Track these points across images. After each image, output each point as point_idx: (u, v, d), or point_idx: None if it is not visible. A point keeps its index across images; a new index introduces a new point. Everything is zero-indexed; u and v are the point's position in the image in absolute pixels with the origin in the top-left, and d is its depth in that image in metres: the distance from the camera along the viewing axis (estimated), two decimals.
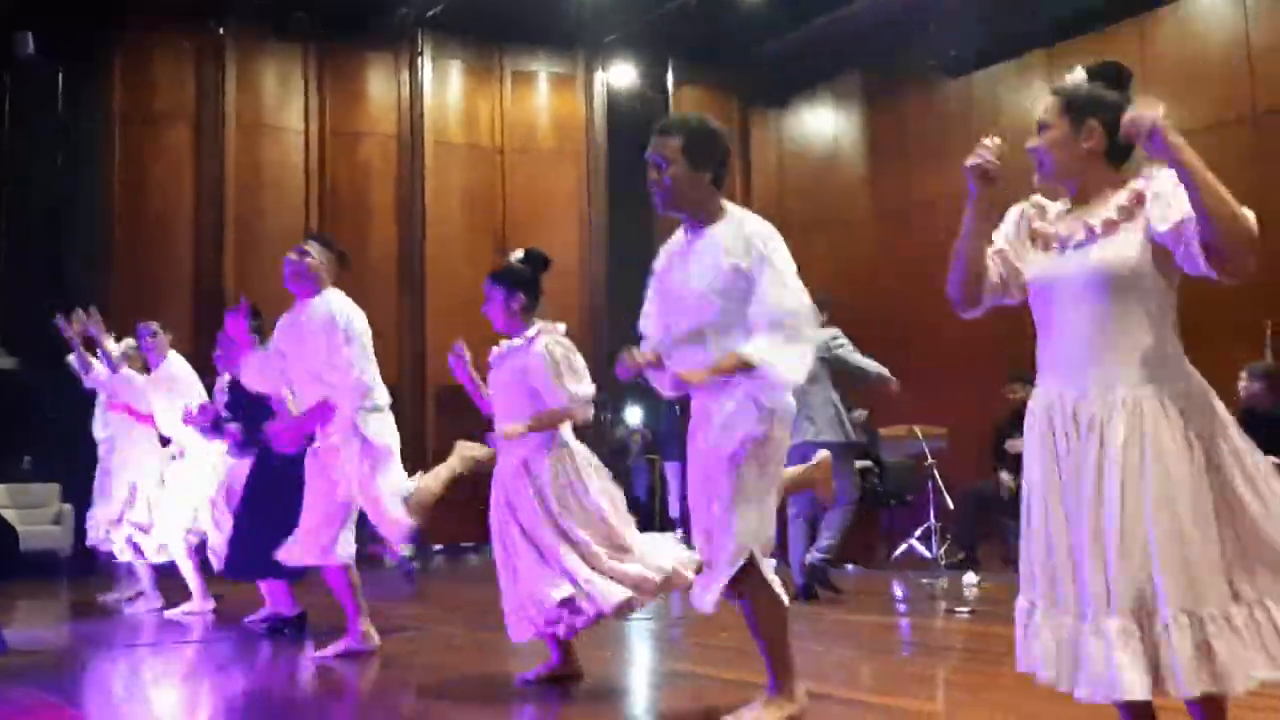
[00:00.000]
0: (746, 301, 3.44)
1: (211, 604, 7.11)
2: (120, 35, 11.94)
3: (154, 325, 7.38)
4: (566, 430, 4.44)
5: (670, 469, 13.40)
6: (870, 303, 11.56)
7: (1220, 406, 2.48)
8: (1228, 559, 2.37)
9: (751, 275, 3.43)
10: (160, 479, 7.34)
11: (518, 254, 4.60)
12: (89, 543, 7.93)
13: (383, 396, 5.13)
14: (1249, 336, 8.26)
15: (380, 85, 13.17)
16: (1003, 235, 2.73)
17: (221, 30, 12.30)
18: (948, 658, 5.11)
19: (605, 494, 4.36)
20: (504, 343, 4.51)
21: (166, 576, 7.42)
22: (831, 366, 7.07)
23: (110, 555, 7.82)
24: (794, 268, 3.49)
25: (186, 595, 7.15)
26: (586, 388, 4.38)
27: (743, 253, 3.44)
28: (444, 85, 13.42)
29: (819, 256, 11.65)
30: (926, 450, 9.17)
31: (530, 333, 4.43)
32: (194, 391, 7.18)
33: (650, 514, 14.58)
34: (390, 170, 13.08)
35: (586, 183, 13.88)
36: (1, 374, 10.77)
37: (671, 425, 13.34)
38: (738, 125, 14.06)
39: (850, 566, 8.97)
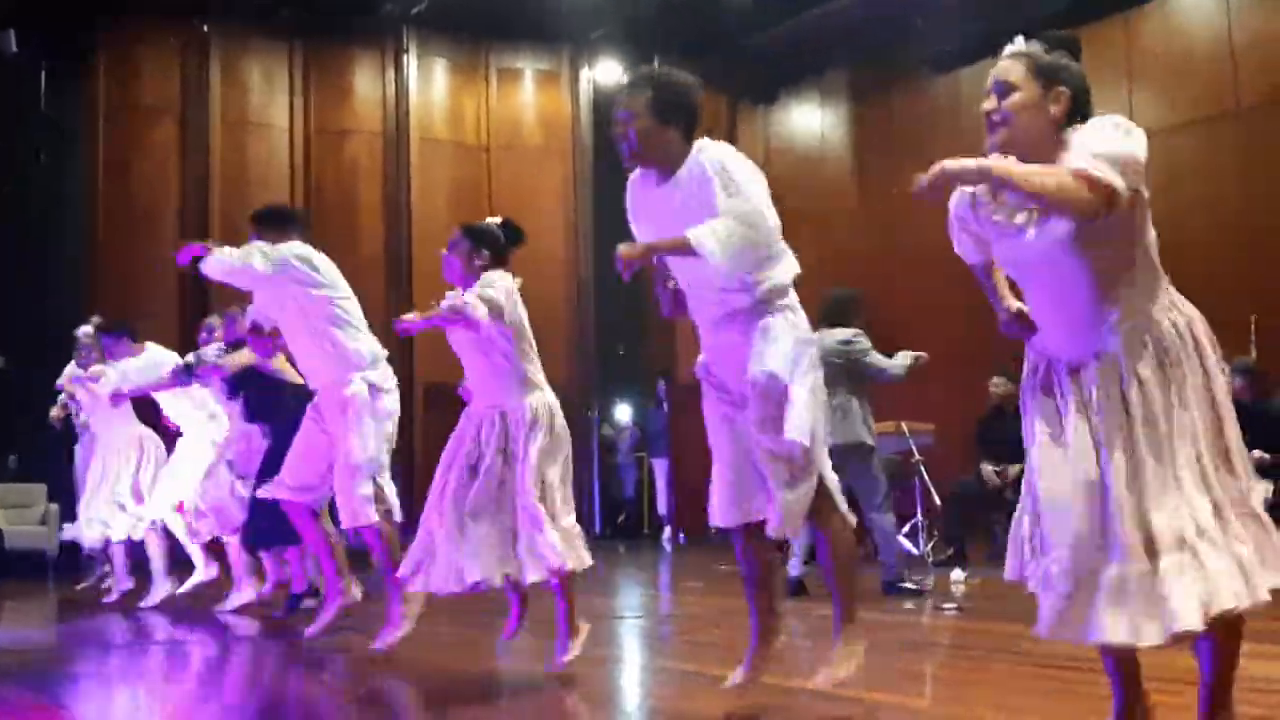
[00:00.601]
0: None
1: (214, 570, 7.10)
2: (105, 32, 11.91)
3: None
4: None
5: (659, 466, 13.39)
6: None
7: (1203, 339, 2.46)
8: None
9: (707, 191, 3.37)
10: (148, 459, 7.35)
11: (495, 220, 4.62)
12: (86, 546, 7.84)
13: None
14: (1235, 332, 8.29)
15: (366, 83, 13.14)
16: (957, 220, 2.71)
17: (206, 27, 12.26)
18: (935, 653, 5.11)
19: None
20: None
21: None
22: (846, 369, 6.77)
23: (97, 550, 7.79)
24: (755, 182, 3.43)
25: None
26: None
27: (699, 179, 3.38)
28: (429, 83, 13.40)
29: (805, 251, 11.50)
30: (914, 447, 9.15)
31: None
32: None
33: (639, 511, 14.59)
34: (376, 168, 13.07)
35: (573, 179, 13.88)
36: None
37: (660, 422, 13.34)
38: (725, 121, 14.05)
39: None
